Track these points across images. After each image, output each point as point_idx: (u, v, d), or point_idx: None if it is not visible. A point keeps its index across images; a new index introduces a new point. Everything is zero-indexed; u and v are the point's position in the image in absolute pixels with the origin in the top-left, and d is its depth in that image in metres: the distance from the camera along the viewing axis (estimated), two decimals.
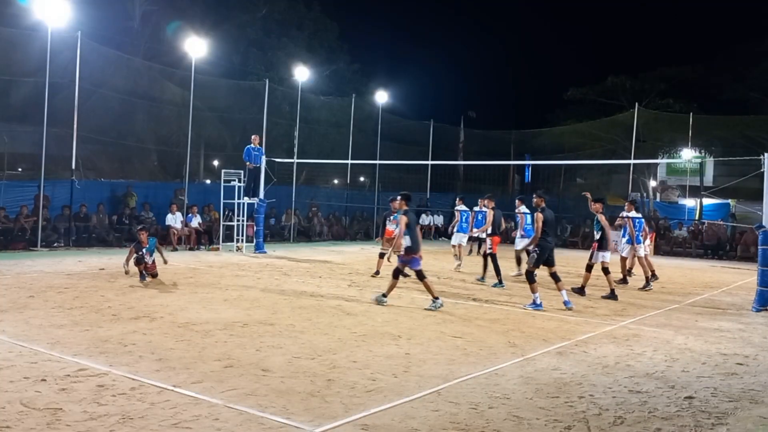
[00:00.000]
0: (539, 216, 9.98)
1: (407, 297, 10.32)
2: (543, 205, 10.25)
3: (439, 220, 28.11)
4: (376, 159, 26.67)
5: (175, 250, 17.07)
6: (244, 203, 17.83)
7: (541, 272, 10.14)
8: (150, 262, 10.77)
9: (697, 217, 25.67)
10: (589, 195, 12.65)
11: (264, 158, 18.17)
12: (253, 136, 17.76)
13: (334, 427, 4.38)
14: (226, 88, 23.85)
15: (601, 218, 11.63)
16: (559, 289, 9.98)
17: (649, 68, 32.99)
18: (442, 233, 27.27)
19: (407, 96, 37.56)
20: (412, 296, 10.46)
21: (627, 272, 13.65)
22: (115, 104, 20.57)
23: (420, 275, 9.33)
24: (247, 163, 17.39)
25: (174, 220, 17.92)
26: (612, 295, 11.22)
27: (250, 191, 17.60)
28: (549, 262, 10.01)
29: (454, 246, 15.31)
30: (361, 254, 14.08)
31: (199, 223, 18.57)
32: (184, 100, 20.91)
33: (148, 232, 11.50)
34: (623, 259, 13.68)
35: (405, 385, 5.41)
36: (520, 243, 13.92)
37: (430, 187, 30.31)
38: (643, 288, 12.76)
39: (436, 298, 9.25)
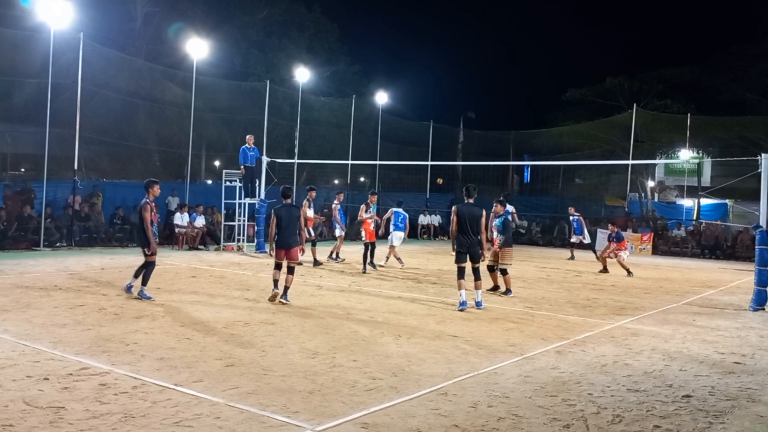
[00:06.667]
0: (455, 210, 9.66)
1: (407, 297, 10.37)
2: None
3: (436, 219, 28.20)
4: (376, 159, 26.74)
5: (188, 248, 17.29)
6: (245, 203, 17.88)
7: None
8: None
9: (695, 218, 25.72)
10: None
11: (264, 158, 18.19)
12: (248, 136, 17.63)
13: (334, 426, 4.41)
14: (227, 89, 23.90)
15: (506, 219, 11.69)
16: (476, 288, 9.62)
17: (647, 69, 32.96)
18: (439, 232, 27.43)
19: (407, 97, 37.77)
20: (413, 296, 10.52)
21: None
22: (117, 105, 20.63)
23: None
24: (242, 167, 17.35)
25: (181, 219, 17.94)
26: (495, 288, 11.31)
27: (248, 191, 17.62)
28: (472, 258, 9.60)
29: (394, 246, 15.24)
30: (361, 254, 14.15)
31: (203, 224, 18.59)
32: (185, 101, 20.97)
33: None
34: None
35: (405, 384, 5.45)
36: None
37: (429, 188, 30.38)
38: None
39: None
